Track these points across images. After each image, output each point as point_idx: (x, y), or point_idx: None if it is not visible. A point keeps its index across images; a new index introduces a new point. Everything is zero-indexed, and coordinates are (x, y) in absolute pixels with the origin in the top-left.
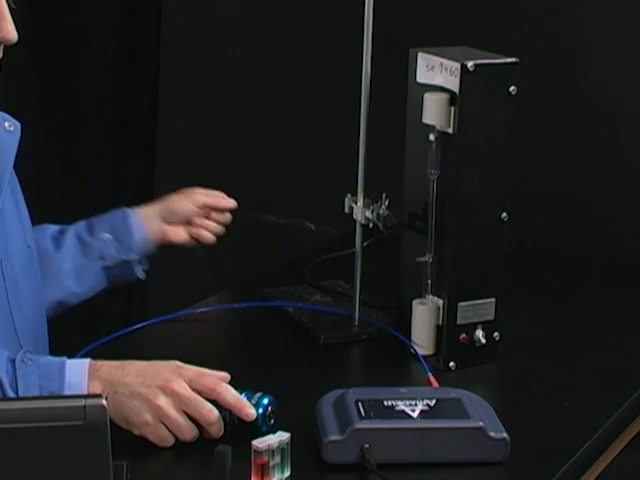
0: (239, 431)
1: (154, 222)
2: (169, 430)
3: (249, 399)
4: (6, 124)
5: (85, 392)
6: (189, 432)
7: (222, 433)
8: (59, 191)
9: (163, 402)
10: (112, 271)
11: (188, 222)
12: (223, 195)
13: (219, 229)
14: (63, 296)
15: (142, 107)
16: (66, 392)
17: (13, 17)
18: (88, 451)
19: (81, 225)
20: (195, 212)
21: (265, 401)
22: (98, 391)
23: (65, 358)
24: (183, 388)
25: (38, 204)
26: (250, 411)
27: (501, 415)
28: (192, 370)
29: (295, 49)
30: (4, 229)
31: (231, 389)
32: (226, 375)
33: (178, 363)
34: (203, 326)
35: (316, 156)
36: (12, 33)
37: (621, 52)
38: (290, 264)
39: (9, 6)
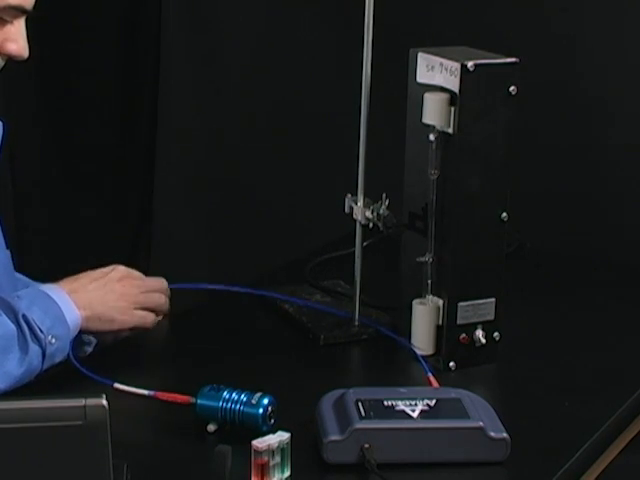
0: (239, 431)
1: None
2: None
3: (249, 399)
4: None
5: (77, 313)
6: (160, 299)
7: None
8: (59, 191)
9: (133, 294)
10: None
11: None
12: None
13: None
14: None
15: (142, 107)
16: (65, 314)
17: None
18: (88, 451)
19: None
20: None
21: (265, 401)
22: (81, 315)
23: (41, 288)
24: (136, 278)
25: (38, 204)
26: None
27: (501, 415)
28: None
29: (295, 49)
30: None
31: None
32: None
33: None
34: (203, 326)
35: (316, 156)
36: (26, 50)
37: (621, 52)
38: (290, 264)
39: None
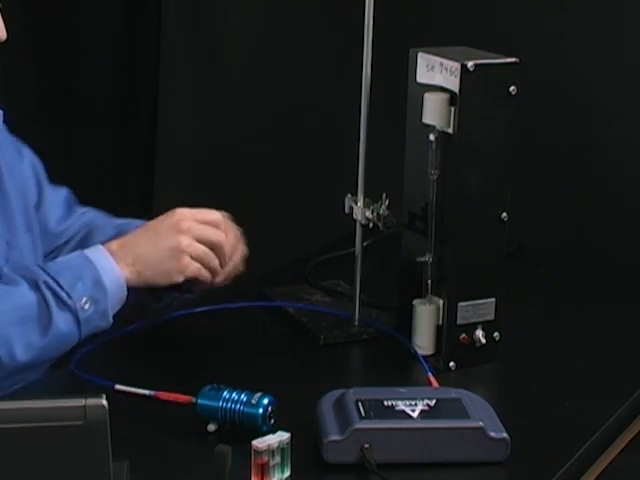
0: (239, 431)
1: None
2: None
3: (249, 399)
4: None
5: (120, 272)
6: (213, 259)
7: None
8: None
9: (186, 241)
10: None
11: None
12: None
13: None
14: None
15: (142, 107)
16: (103, 276)
17: (3, 16)
18: (88, 451)
19: None
20: None
21: (265, 401)
22: (131, 271)
23: (80, 251)
24: (192, 222)
25: None
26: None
27: (501, 415)
28: (193, 223)
29: (295, 49)
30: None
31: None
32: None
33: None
34: (203, 326)
35: (316, 156)
36: (1, 32)
37: (621, 52)
38: (290, 264)
39: None
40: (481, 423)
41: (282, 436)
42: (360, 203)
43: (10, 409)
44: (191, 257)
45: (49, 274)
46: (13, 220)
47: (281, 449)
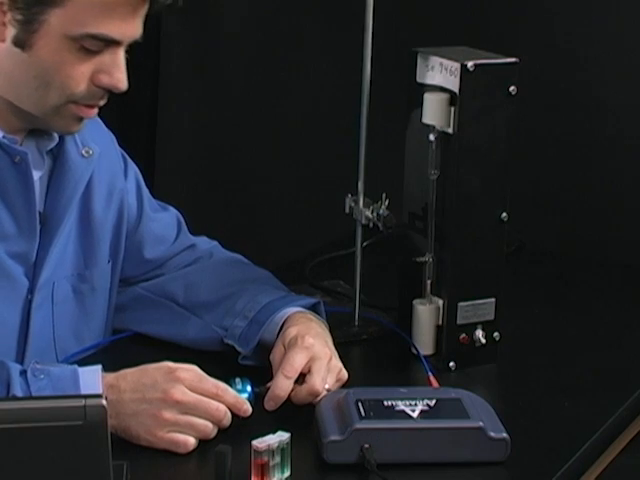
0: (239, 431)
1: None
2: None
3: (232, 386)
4: (83, 150)
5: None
6: (205, 428)
7: (230, 422)
8: None
9: (169, 414)
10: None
11: None
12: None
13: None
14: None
15: (142, 107)
16: None
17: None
18: (88, 451)
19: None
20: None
21: (248, 388)
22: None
23: (76, 367)
24: (185, 394)
25: None
26: (247, 407)
27: (501, 415)
28: (188, 372)
29: (295, 49)
30: (63, 251)
31: (230, 389)
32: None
33: (169, 365)
34: None
35: (316, 156)
36: (123, 82)
37: (621, 52)
38: (290, 264)
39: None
40: (481, 423)
41: (282, 436)
42: (360, 203)
43: (10, 409)
44: (170, 430)
45: (28, 387)
46: (96, 250)
47: (281, 449)
